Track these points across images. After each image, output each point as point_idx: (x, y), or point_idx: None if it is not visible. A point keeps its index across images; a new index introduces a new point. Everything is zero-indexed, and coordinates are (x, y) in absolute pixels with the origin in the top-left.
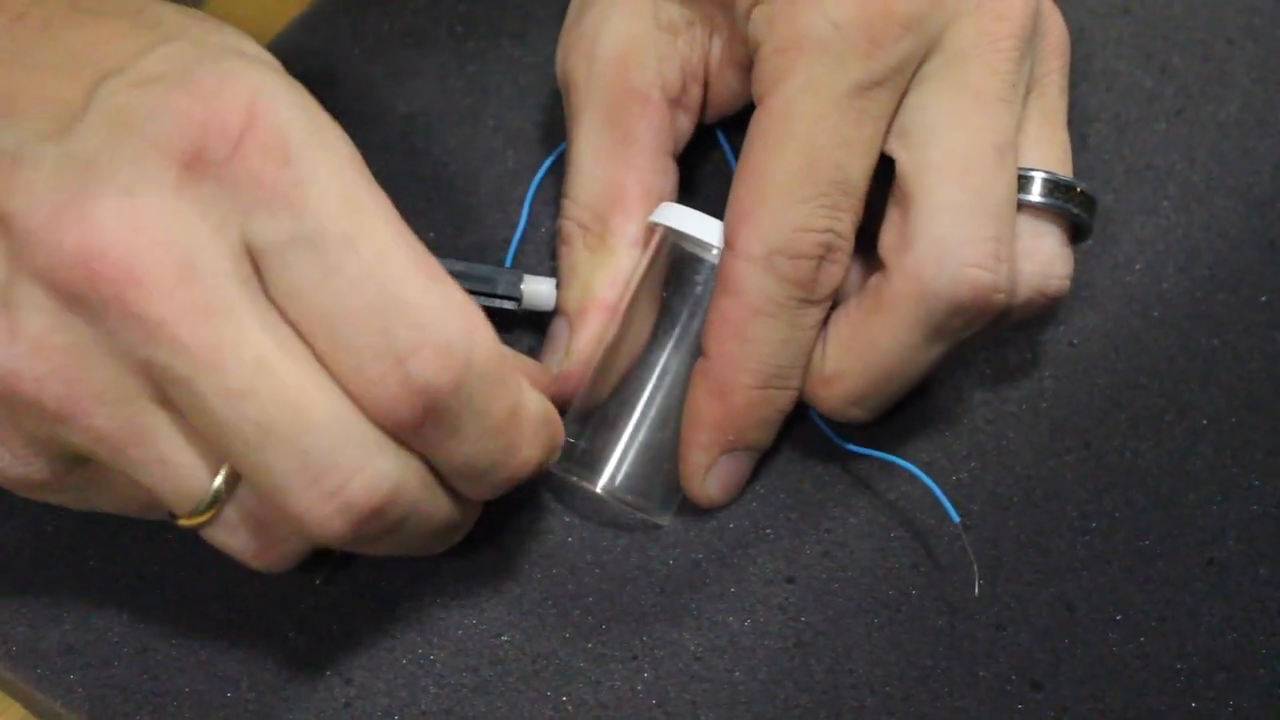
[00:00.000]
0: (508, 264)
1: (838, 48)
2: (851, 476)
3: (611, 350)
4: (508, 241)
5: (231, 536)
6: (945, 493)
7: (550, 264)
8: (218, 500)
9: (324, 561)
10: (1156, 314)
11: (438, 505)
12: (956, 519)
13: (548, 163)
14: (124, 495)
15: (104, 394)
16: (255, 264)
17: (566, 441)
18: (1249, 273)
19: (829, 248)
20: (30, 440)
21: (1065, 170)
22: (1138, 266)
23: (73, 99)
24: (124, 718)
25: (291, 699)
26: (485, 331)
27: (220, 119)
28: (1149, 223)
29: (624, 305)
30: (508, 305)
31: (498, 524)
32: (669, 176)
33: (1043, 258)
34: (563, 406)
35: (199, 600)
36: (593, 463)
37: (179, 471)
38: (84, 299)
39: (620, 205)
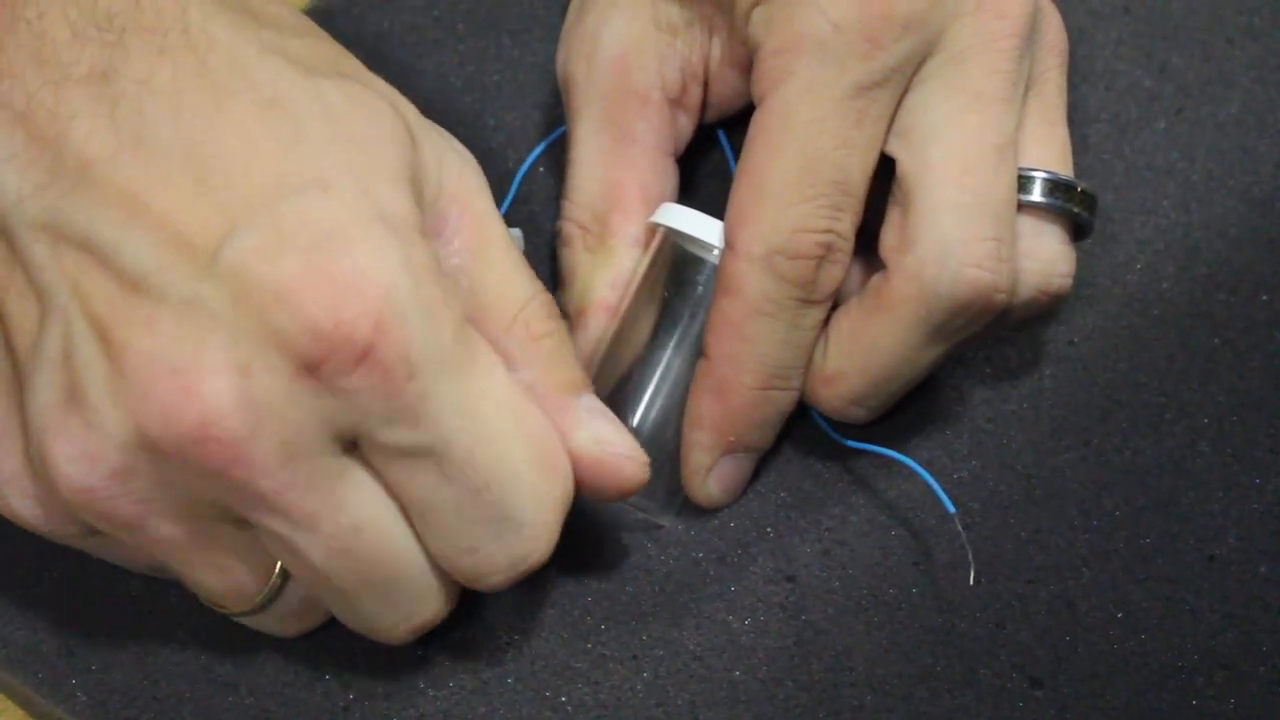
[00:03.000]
0: None
1: (837, 48)
2: (852, 475)
3: (612, 351)
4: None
5: (268, 624)
6: (946, 491)
7: (550, 263)
8: (267, 601)
9: None
10: (1156, 313)
11: None
12: (952, 510)
13: (541, 147)
14: (143, 559)
15: (173, 512)
16: (362, 447)
17: None
18: (1249, 272)
19: (829, 248)
20: (74, 519)
21: (1066, 169)
22: (1138, 266)
23: (201, 240)
24: None
25: (291, 703)
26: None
27: (347, 332)
28: (1149, 222)
29: (624, 306)
30: None
31: None
32: (669, 177)
33: (1045, 257)
34: None
35: (199, 604)
36: None
37: (233, 577)
38: (183, 462)
39: (620, 206)
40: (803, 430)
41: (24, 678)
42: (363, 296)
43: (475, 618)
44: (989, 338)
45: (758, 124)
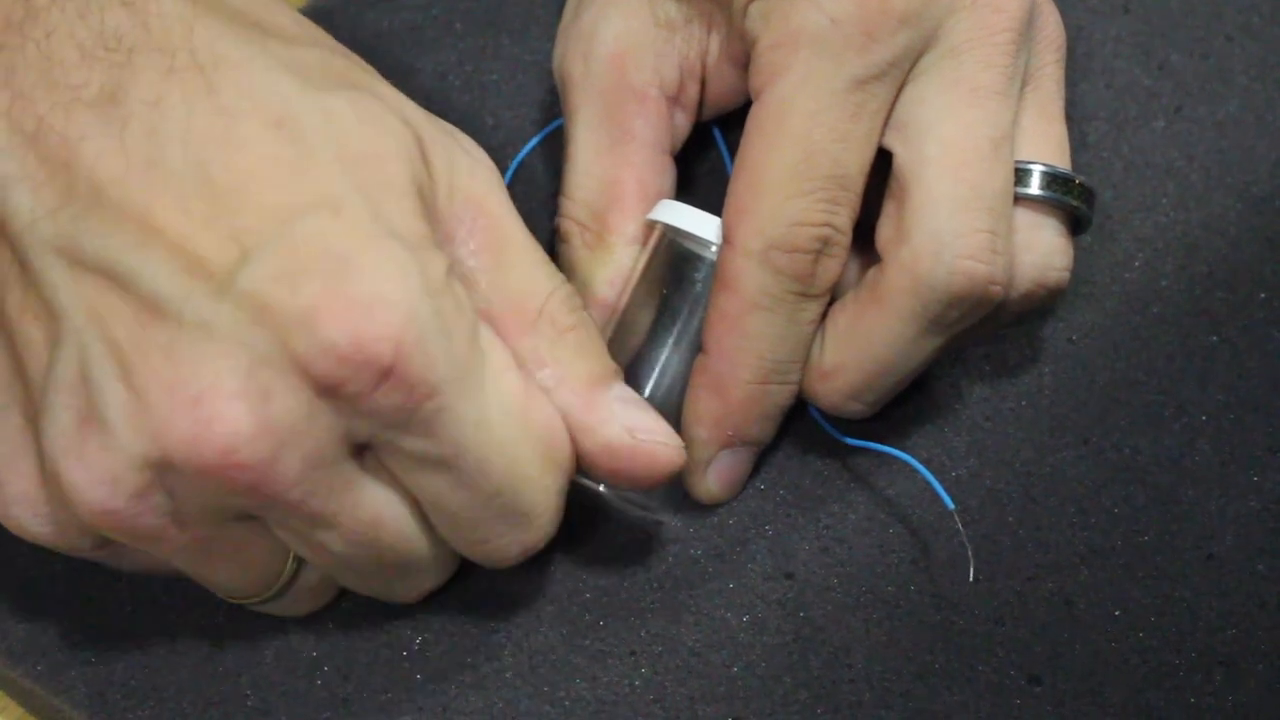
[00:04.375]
0: None
1: (834, 42)
2: (851, 471)
3: (610, 348)
4: None
5: (279, 608)
6: (944, 488)
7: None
8: (281, 592)
9: None
10: (1155, 311)
11: None
12: (952, 506)
13: (533, 142)
14: (155, 565)
15: (192, 521)
16: (378, 450)
17: None
18: (1247, 270)
19: (826, 241)
20: (88, 534)
21: (1063, 163)
22: (1137, 264)
23: (217, 264)
24: (124, 713)
25: (290, 694)
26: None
27: (367, 355)
28: (1148, 220)
29: (623, 303)
30: None
31: None
32: (666, 174)
33: (1042, 250)
34: None
35: (198, 596)
36: None
37: (249, 573)
38: (205, 485)
39: (618, 203)
40: (802, 428)
41: (23, 670)
42: (383, 320)
43: (474, 613)
44: (987, 333)
45: (755, 118)
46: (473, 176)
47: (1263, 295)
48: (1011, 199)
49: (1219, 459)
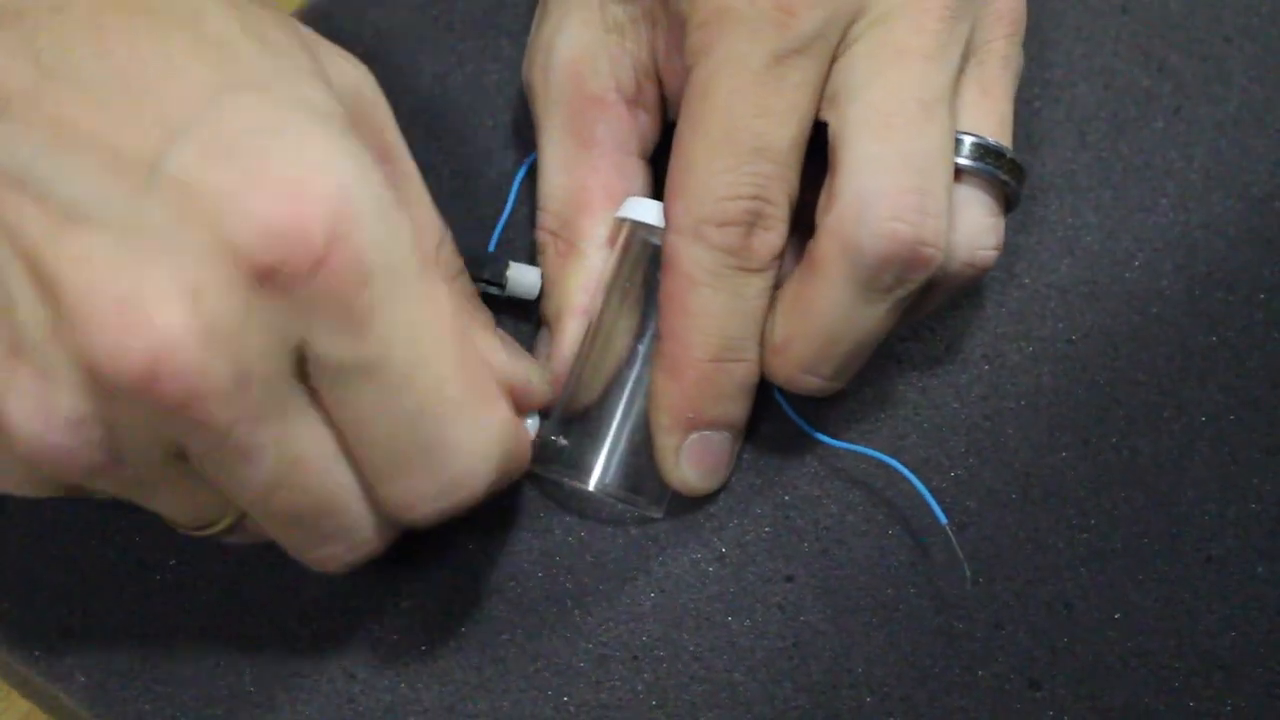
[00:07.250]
0: (491, 248)
1: (752, 19)
2: (850, 473)
3: (591, 350)
4: (506, 240)
5: (239, 539)
6: (944, 490)
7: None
8: (234, 523)
9: None
10: (1155, 311)
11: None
12: (944, 520)
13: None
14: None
15: (128, 455)
16: (306, 364)
17: (555, 442)
18: (1247, 270)
19: (757, 214)
20: (41, 478)
21: (1002, 138)
22: (1136, 264)
23: (137, 154)
24: (124, 704)
25: (294, 690)
26: (521, 448)
27: (304, 232)
28: (1147, 221)
29: (598, 305)
30: (492, 290)
31: (498, 525)
32: (635, 177)
33: (970, 227)
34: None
35: (201, 588)
36: (581, 462)
37: (195, 507)
38: (136, 399)
39: (586, 209)
40: (799, 429)
41: (21, 658)
42: (318, 195)
43: (479, 616)
44: (937, 302)
45: (685, 99)
46: (375, 104)
47: (1262, 296)
48: (949, 163)
49: (1219, 460)
